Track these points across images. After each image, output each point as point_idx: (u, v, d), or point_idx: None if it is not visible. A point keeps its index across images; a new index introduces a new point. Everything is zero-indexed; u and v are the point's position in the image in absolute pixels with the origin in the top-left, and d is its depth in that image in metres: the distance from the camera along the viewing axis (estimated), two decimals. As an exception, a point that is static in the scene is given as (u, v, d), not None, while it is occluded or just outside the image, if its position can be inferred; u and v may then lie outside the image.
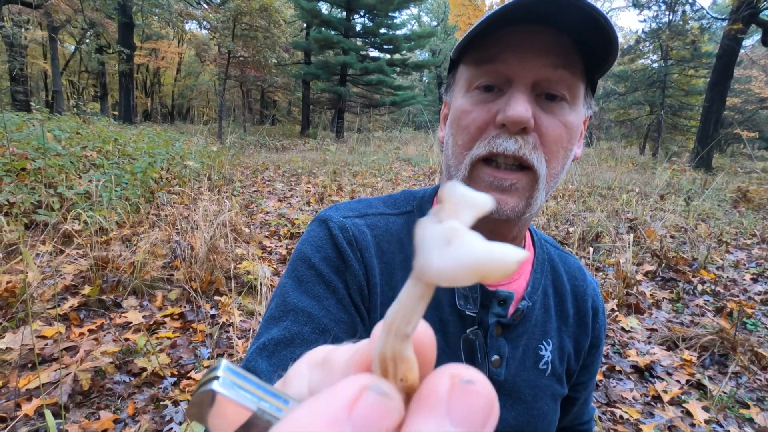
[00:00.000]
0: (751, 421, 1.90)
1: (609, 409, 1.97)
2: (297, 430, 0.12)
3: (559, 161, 0.52)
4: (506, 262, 0.13)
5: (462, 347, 0.56)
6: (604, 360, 2.32)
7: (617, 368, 2.26)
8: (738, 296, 3.17)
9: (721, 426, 1.87)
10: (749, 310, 2.91)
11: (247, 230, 3.71)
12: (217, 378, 0.15)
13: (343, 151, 11.36)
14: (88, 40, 15.75)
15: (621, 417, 1.91)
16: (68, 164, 4.04)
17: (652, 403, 2.02)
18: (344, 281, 0.55)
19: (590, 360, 0.69)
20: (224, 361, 0.16)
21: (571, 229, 4.34)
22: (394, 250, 0.58)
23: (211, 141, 10.10)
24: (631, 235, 3.78)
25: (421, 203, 0.63)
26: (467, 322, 0.57)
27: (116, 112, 14.98)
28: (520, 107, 0.48)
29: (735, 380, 2.18)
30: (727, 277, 3.51)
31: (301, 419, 0.13)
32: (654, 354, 2.38)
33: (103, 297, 2.46)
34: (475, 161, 0.52)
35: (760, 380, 2.18)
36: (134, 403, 1.77)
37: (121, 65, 15.01)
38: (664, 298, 3.12)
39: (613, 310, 2.83)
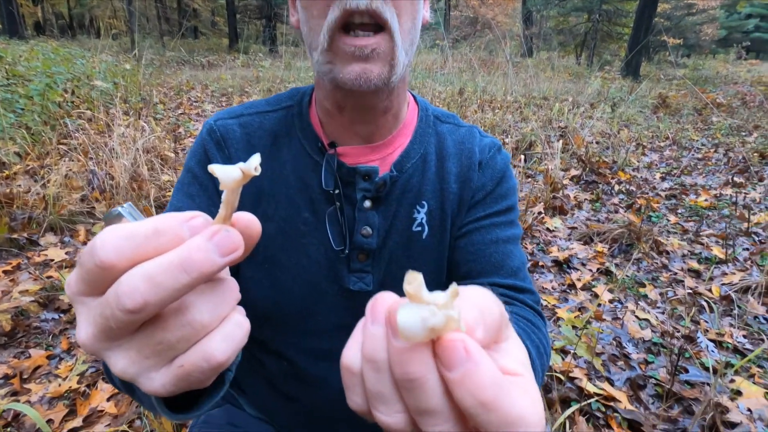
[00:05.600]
0: (645, 297, 2.22)
1: (531, 299, 2.20)
2: (150, 224, 0.23)
3: (408, 15, 0.53)
4: (229, 175, 0.25)
5: (327, 221, 0.63)
6: (530, 257, 2.54)
7: (540, 263, 2.49)
8: (648, 193, 3.51)
9: (622, 303, 2.17)
10: (655, 205, 3.25)
11: (173, 155, 3.46)
12: (122, 206, 0.27)
13: (277, 67, 10.51)
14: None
15: (540, 304, 2.15)
16: (-58, 88, 3.42)
17: (568, 290, 2.28)
18: (213, 178, 0.61)
19: (481, 209, 0.66)
20: (128, 203, 0.28)
21: (506, 140, 4.46)
22: (265, 144, 0.64)
23: (123, 58, 8.88)
24: (560, 142, 3.96)
25: (302, 97, 0.67)
26: (333, 200, 0.62)
27: (-2, 25, 12.60)
28: None
29: (636, 265, 2.50)
30: (641, 177, 3.86)
31: (152, 219, 0.24)
32: (572, 249, 2.64)
33: (15, 236, 2.26)
34: (333, 31, 0.51)
35: (656, 263, 2.52)
36: (68, 338, 1.73)
37: (-8, -37, 12.29)
38: (585, 199, 3.40)
39: (540, 212, 3.05)
